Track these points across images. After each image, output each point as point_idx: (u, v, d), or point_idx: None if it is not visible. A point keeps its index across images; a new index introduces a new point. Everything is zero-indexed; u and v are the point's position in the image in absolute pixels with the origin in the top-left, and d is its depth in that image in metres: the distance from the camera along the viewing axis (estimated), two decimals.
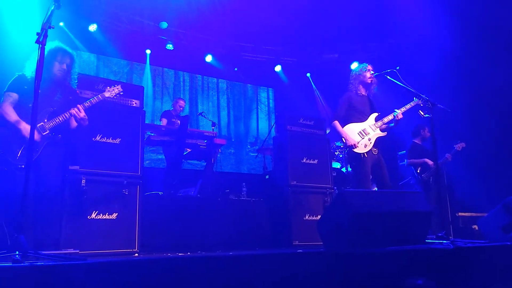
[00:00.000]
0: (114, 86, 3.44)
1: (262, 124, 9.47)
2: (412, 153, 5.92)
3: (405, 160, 6.02)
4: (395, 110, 4.11)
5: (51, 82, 3.21)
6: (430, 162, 5.70)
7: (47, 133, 3.11)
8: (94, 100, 3.27)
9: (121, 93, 3.47)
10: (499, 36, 5.98)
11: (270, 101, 9.76)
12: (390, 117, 4.13)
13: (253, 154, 9.02)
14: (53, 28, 2.42)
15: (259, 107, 9.54)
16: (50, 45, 3.13)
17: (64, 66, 3.24)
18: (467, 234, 5.45)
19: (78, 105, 3.17)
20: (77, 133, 3.39)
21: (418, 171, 5.79)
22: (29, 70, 3.14)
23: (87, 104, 3.22)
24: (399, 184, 6.31)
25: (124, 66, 8.03)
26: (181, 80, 8.72)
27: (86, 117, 3.21)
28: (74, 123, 3.29)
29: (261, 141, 9.08)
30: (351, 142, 4.04)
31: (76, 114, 3.15)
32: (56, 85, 3.25)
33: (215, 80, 9.11)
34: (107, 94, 3.36)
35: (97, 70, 7.54)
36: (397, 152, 6.78)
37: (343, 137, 4.10)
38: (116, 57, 7.85)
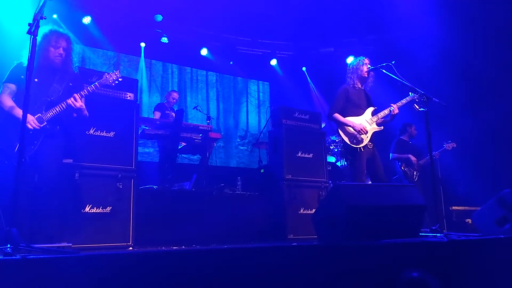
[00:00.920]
0: (112, 72, 3.33)
1: (252, 117, 9.34)
2: (397, 148, 6.06)
3: (390, 155, 6.13)
4: (391, 105, 4.11)
5: (49, 70, 3.10)
6: (413, 158, 5.88)
7: (45, 125, 3.01)
8: (91, 88, 3.14)
9: (119, 80, 3.34)
10: (495, 30, 5.99)
11: (261, 94, 9.62)
12: (386, 111, 4.14)
13: (243, 147, 8.94)
14: (45, 18, 2.38)
15: (249, 100, 9.40)
16: (43, 29, 3.00)
17: (61, 51, 3.11)
18: (461, 227, 5.49)
19: (75, 94, 3.05)
20: (71, 126, 3.33)
21: (402, 167, 5.93)
22: (26, 59, 3.08)
23: (83, 92, 3.10)
24: (392, 178, 6.34)
25: (111, 58, 7.82)
26: (170, 72, 8.55)
27: (84, 107, 3.10)
28: (74, 113, 3.18)
29: (251, 134, 9.04)
30: (359, 126, 4.04)
31: (72, 104, 3.04)
32: (54, 73, 3.13)
33: (204, 72, 8.95)
34: (104, 81, 3.25)
35: (83, 61, 7.31)
36: (390, 146, 6.81)
37: (350, 125, 4.08)
38: (111, 50, 7.76)
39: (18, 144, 2.87)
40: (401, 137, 6.19)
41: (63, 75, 3.18)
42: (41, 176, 2.97)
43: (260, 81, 9.67)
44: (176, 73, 8.64)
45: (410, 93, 4.03)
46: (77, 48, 3.35)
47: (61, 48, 3.12)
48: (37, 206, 2.93)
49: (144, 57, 8.10)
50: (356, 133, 4.05)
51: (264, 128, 7.34)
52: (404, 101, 4.11)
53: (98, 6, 7.09)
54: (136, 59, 8.13)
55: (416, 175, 5.89)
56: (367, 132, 4.06)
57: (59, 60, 3.12)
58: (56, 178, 3.06)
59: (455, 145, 5.89)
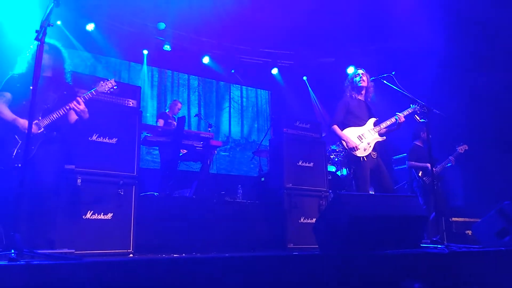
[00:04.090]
0: (108, 80, 3.40)
1: (234, 123, 9.23)
2: (412, 155, 5.81)
3: (406, 162, 5.90)
4: (397, 113, 4.14)
5: (44, 79, 3.15)
6: None
7: (42, 131, 3.08)
8: (88, 95, 3.22)
9: (114, 88, 3.41)
10: (496, 39, 6.02)
11: (244, 99, 9.52)
12: (393, 119, 4.15)
13: (224, 153, 8.82)
14: (52, 26, 2.42)
15: (232, 106, 9.28)
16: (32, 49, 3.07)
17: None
18: (461, 239, 5.47)
19: (78, 98, 3.14)
20: (73, 132, 3.36)
21: (420, 174, 5.70)
22: (20, 67, 3.14)
23: (87, 96, 3.19)
24: (393, 188, 6.31)
25: (87, 59, 7.60)
26: (150, 75, 8.40)
27: (86, 110, 3.18)
28: (73, 117, 3.25)
29: (233, 140, 8.97)
30: (352, 144, 4.06)
31: (76, 107, 3.11)
32: (49, 82, 3.21)
33: (186, 76, 8.84)
34: (100, 89, 3.32)
35: None
36: (392, 156, 6.80)
37: (344, 140, 4.11)
38: (113, 56, 7.79)
39: (15, 150, 2.92)
40: (415, 142, 5.91)
41: (58, 85, 3.26)
42: (39, 181, 3.00)
43: (243, 86, 9.54)
44: (156, 76, 8.48)
45: (411, 105, 4.06)
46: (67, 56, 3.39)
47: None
48: (36, 211, 2.94)
49: (124, 60, 7.98)
50: (357, 143, 4.08)
51: (264, 136, 7.36)
52: (409, 110, 4.13)
53: (102, 14, 7.15)
54: (114, 61, 7.94)
55: (435, 183, 5.60)
56: (358, 149, 4.07)
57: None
58: (54, 184, 3.10)
59: (467, 147, 5.73)
